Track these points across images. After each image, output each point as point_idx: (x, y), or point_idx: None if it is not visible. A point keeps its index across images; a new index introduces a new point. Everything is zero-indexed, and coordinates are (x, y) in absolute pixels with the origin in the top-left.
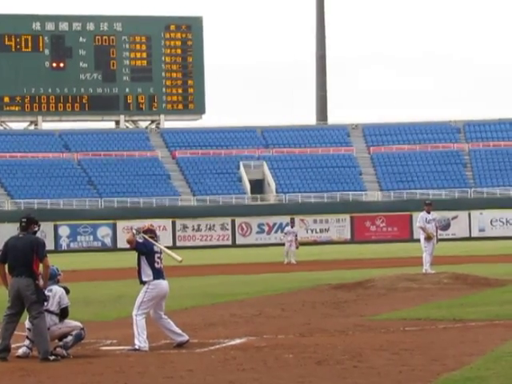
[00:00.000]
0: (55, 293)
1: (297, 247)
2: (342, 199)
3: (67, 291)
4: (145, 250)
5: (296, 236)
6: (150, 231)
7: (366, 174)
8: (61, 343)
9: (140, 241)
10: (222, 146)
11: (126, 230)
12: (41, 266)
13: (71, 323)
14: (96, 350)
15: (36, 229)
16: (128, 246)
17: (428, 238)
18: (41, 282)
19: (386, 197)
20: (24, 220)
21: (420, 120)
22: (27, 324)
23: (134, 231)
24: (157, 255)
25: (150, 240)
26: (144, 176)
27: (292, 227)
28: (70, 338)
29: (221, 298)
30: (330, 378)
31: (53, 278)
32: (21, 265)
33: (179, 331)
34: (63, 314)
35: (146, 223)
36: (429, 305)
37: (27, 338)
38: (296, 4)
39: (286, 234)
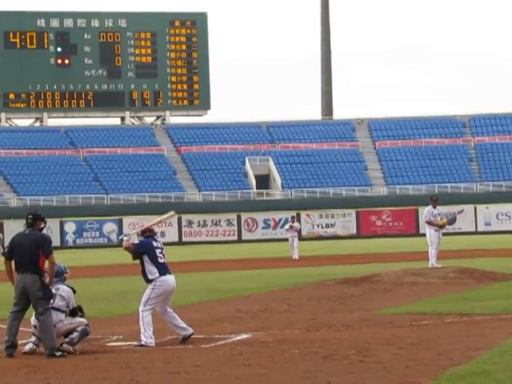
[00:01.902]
0: (62, 291)
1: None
2: (348, 194)
3: (74, 291)
4: (143, 248)
5: (296, 230)
6: (149, 231)
7: (372, 168)
8: (67, 339)
9: (136, 242)
10: (227, 141)
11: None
12: (47, 262)
13: (76, 319)
14: (102, 345)
15: (42, 226)
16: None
17: (440, 227)
18: (47, 279)
19: (391, 191)
20: (30, 217)
21: (425, 114)
22: (33, 321)
23: (133, 234)
24: (158, 250)
25: (148, 238)
26: (150, 172)
27: (293, 222)
28: (75, 334)
29: (227, 294)
30: (337, 373)
31: (59, 275)
32: (27, 261)
33: (184, 325)
34: (72, 314)
35: (145, 223)
36: (435, 299)
37: (33, 334)
38: None
39: (287, 230)
